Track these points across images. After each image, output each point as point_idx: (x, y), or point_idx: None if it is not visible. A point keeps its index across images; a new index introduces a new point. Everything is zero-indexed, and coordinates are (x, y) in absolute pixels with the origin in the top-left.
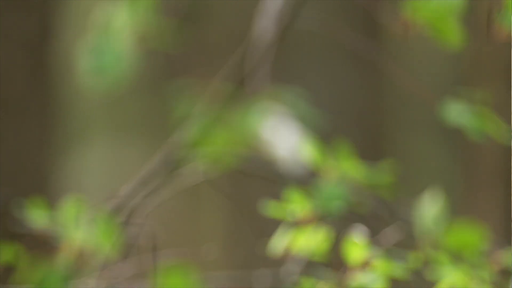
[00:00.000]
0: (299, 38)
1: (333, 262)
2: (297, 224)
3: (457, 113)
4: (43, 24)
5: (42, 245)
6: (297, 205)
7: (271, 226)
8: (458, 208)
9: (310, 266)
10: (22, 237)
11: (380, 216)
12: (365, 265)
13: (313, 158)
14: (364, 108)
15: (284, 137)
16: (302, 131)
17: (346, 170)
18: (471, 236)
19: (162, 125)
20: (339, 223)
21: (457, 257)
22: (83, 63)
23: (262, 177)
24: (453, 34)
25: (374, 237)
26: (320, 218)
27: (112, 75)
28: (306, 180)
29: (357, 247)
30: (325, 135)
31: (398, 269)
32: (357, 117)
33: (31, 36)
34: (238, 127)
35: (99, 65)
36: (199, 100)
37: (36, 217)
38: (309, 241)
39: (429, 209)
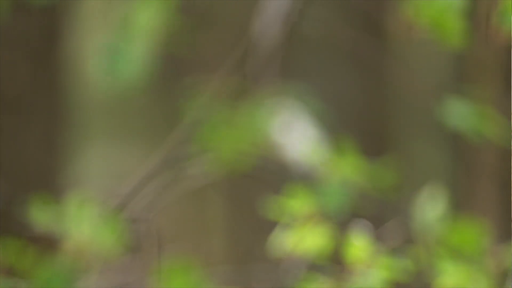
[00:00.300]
0: (301, 39)
1: (335, 259)
2: (299, 221)
3: (457, 115)
4: (51, 23)
5: (47, 243)
6: (299, 202)
7: (274, 222)
8: (458, 207)
9: (312, 263)
10: (27, 235)
11: (382, 215)
12: (366, 263)
13: (318, 157)
14: (366, 108)
15: (294, 137)
16: (314, 127)
17: (349, 169)
18: (471, 233)
19: (166, 124)
20: (342, 221)
21: (458, 254)
22: (97, 63)
23: (266, 178)
24: (455, 34)
25: (376, 236)
26: (323, 215)
27: (127, 76)
28: (311, 178)
29: (359, 244)
30: (327, 135)
31: (400, 266)
32: (358, 117)
33: (38, 35)
34: (246, 126)
35: (114, 65)
36: (206, 99)
37: (41, 215)
38: (311, 238)
39: (430, 206)
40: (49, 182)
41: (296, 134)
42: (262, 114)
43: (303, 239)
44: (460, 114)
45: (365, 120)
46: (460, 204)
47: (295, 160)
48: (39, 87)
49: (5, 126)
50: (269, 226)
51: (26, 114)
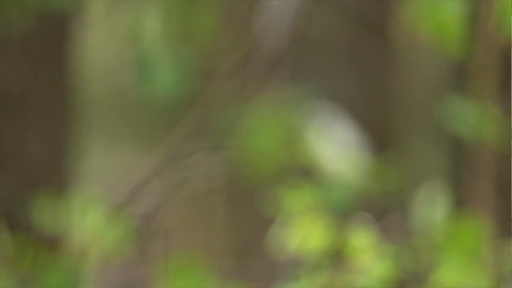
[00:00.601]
0: (303, 40)
1: (336, 253)
2: (299, 215)
3: (457, 115)
4: (55, 21)
5: (51, 241)
6: (300, 196)
7: (274, 217)
8: (459, 205)
9: (312, 257)
10: (31, 233)
11: (383, 212)
12: (368, 257)
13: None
14: (367, 109)
15: (333, 143)
16: (351, 132)
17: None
18: (471, 231)
19: (170, 123)
20: (343, 217)
21: (458, 252)
22: (127, 72)
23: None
24: (457, 40)
25: (377, 233)
26: (324, 210)
27: (161, 87)
28: (312, 174)
29: (360, 238)
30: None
31: (401, 261)
32: (359, 117)
33: (41, 34)
34: (281, 130)
35: (147, 76)
36: (222, 102)
37: (45, 213)
38: (312, 232)
39: (430, 204)
40: (53, 180)
41: (335, 140)
42: (296, 118)
43: (303, 233)
44: (460, 114)
45: (366, 120)
46: (460, 203)
47: (335, 167)
48: (42, 86)
49: (8, 125)
50: (270, 221)
51: (29, 112)
